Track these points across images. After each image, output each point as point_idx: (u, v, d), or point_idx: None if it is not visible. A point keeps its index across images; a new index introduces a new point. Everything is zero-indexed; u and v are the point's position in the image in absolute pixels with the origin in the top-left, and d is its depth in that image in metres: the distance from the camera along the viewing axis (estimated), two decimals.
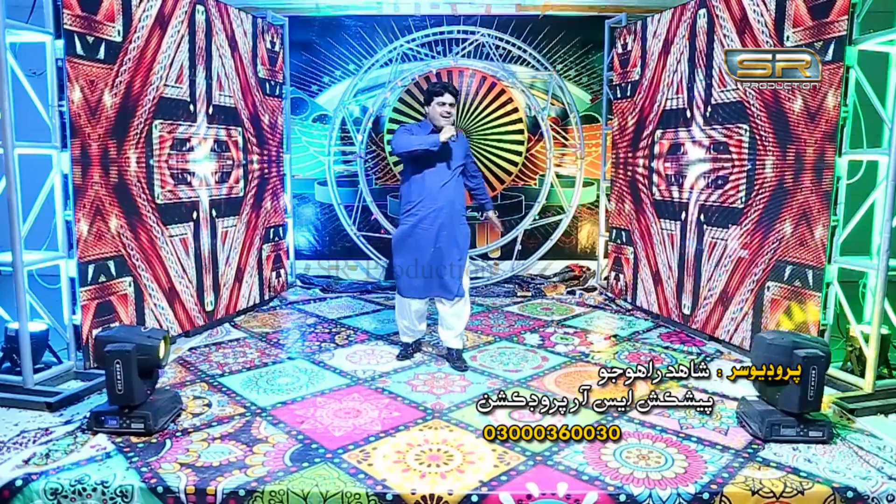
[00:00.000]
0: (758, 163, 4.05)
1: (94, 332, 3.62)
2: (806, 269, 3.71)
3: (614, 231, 5.82)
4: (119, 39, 3.79)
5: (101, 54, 3.68)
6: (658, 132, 5.06)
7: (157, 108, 4.16)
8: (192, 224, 4.55)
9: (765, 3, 3.95)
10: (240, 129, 5.06)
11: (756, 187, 4.07)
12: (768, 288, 3.98)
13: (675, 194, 4.88)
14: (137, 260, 4.04)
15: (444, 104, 3.72)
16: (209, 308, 4.72)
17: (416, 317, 4.00)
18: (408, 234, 3.79)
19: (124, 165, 3.90)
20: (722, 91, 4.33)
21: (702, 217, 4.58)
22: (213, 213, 4.78)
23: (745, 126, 4.15)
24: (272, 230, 5.66)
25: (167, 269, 4.30)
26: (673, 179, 4.91)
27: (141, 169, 4.04)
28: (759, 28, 4.00)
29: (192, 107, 4.48)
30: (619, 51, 5.68)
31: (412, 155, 3.72)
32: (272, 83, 5.58)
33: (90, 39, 3.59)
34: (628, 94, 5.50)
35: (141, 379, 2.90)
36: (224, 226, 4.94)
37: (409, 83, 6.21)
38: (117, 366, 2.81)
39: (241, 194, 5.12)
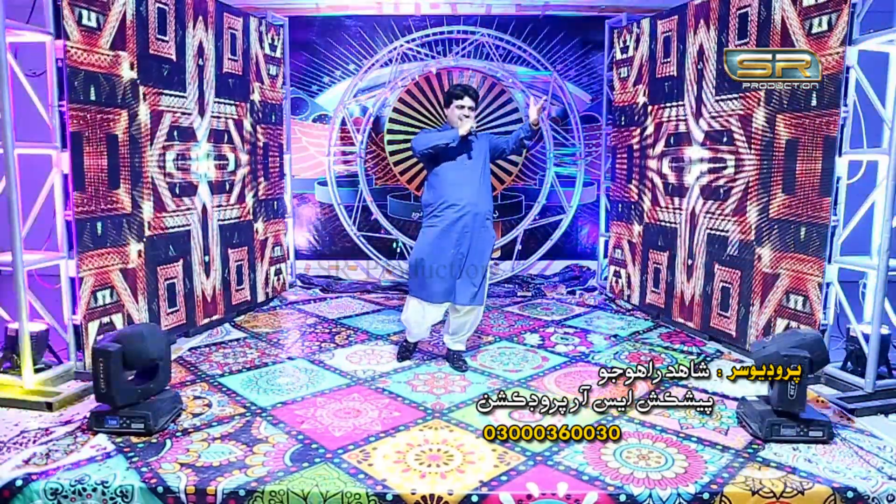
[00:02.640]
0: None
1: (91, 323, 3.61)
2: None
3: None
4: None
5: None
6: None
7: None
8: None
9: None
10: (240, 134, 5.08)
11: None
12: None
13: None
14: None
15: (462, 107, 3.66)
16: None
17: (427, 324, 3.82)
18: (429, 238, 3.65)
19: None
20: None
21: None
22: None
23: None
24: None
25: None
26: (674, 190, 4.90)
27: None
28: None
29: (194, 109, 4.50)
30: (619, 56, 5.65)
31: (434, 151, 3.62)
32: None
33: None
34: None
35: (138, 378, 2.89)
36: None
37: (409, 83, 6.21)
38: (100, 364, 2.78)
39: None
